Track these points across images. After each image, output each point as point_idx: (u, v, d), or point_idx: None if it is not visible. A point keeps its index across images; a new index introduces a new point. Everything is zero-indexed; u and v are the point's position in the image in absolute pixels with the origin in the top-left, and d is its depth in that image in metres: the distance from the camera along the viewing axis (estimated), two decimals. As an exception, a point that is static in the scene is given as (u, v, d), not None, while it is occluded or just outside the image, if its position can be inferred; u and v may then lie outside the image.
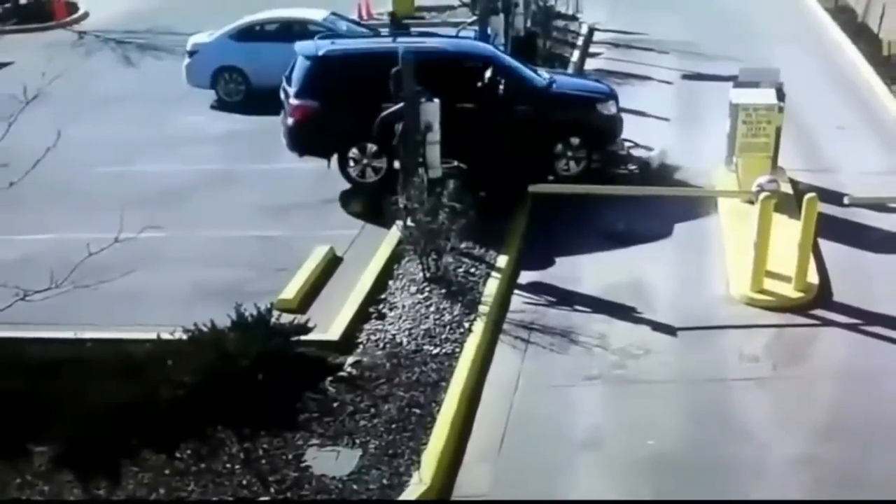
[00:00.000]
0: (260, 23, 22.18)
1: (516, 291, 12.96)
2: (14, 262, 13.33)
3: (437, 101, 13.59)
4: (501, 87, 16.24)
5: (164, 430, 9.68)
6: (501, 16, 21.52)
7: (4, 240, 14.47)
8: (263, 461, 9.44)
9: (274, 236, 14.49)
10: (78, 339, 11.08)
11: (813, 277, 12.74)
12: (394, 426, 9.95)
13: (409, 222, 12.97)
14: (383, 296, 12.56)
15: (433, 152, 13.64)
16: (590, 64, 24.12)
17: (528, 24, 24.23)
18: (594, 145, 16.47)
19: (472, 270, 13.21)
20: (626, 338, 11.72)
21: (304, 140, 16.07)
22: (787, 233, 12.88)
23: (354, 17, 26.27)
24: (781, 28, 26.62)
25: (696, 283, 13.09)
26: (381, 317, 12.07)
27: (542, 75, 17.14)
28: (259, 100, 20.04)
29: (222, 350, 10.30)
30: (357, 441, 9.73)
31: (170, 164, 17.68)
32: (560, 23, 26.90)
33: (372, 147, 15.69)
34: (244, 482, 9.19)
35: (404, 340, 11.50)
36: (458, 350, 11.34)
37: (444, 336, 11.60)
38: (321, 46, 16.28)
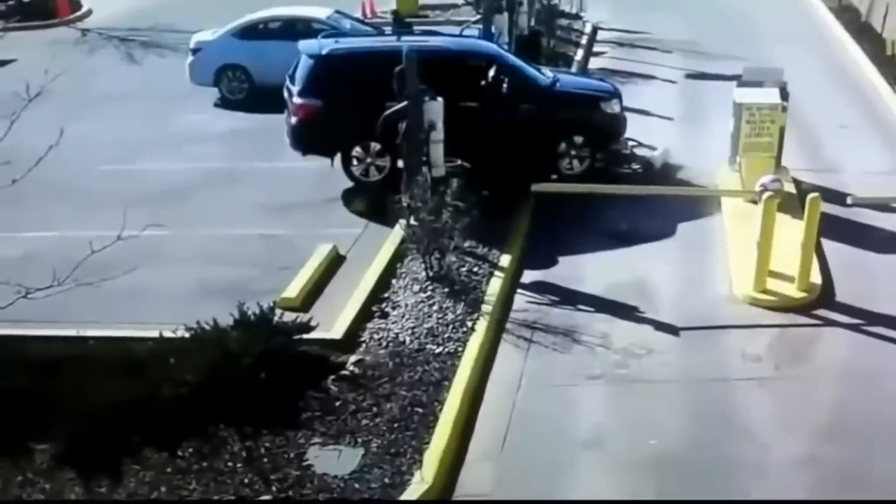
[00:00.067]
0: (263, 21, 22.16)
1: (519, 290, 12.95)
2: (16, 260, 13.32)
3: (440, 99, 13.58)
4: (505, 85, 16.22)
5: (166, 429, 9.67)
6: (505, 14, 21.49)
7: (7, 237, 14.47)
8: (265, 460, 9.43)
9: (277, 234, 14.48)
10: (80, 337, 11.08)
11: (816, 277, 12.72)
12: (396, 425, 9.94)
13: (412, 221, 12.95)
14: (386, 294, 12.55)
15: (437, 151, 13.64)
16: (594, 63, 24.11)
17: (532, 22, 24.22)
18: (598, 144, 16.44)
19: (476, 269, 13.19)
20: (628, 337, 11.71)
21: (308, 139, 16.06)
22: (791, 233, 12.86)
23: (358, 15, 26.24)
24: (785, 27, 26.58)
25: (699, 282, 13.07)
26: (384, 315, 12.05)
27: (545, 74, 17.11)
28: (262, 98, 20.02)
29: (224, 348, 10.29)
30: (359, 440, 9.72)
31: (173, 162, 17.68)
32: (564, 21, 26.89)
33: (375, 146, 15.68)
34: (246, 481, 9.18)
35: (407, 339, 11.49)
36: (460, 349, 11.32)
37: (446, 335, 11.59)
38: (325, 45, 16.25)
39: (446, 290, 12.53)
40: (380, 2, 28.92)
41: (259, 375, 10.23)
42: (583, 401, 10.61)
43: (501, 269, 13.27)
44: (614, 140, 16.88)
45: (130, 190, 15.72)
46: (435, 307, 12.18)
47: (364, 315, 12.00)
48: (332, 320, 11.76)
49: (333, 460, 9.43)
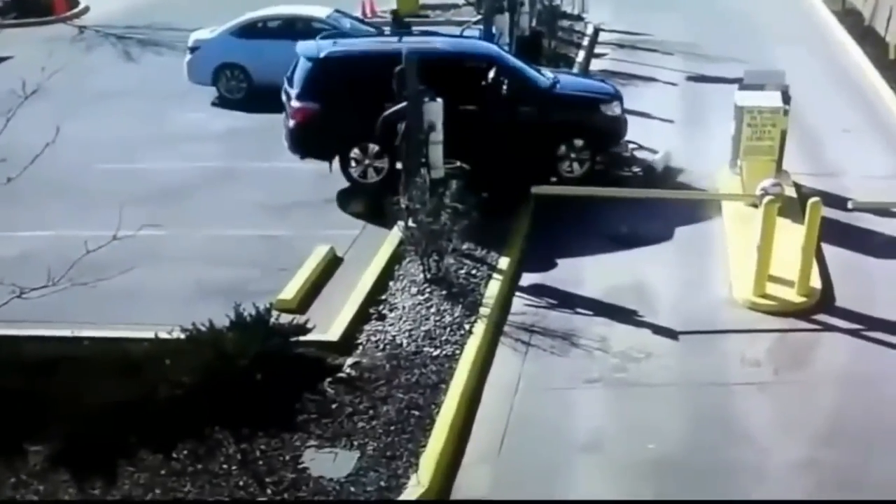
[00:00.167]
0: (262, 19, 22.10)
1: (518, 293, 12.90)
2: (11, 259, 13.27)
3: (440, 100, 13.53)
4: (505, 87, 16.15)
5: (161, 430, 9.61)
6: (506, 15, 21.44)
7: (2, 236, 14.41)
8: (261, 462, 9.38)
9: (275, 235, 14.42)
10: (75, 338, 11.01)
11: (816, 282, 12.67)
12: (392, 428, 9.88)
13: (410, 223, 12.89)
14: (384, 297, 12.49)
15: (436, 152, 13.59)
16: (595, 64, 24.08)
17: (534, 23, 24.20)
18: (598, 147, 16.38)
19: (474, 272, 13.14)
20: (627, 341, 11.66)
21: (306, 143, 15.97)
22: (791, 237, 12.81)
23: (358, 14, 26.20)
24: (787, 30, 26.56)
25: (699, 286, 13.02)
26: (382, 318, 12.00)
27: (546, 75, 17.04)
28: (261, 97, 19.98)
29: (221, 350, 10.24)
30: (355, 442, 9.66)
31: (170, 161, 17.60)
32: (565, 22, 26.85)
33: (374, 147, 15.61)
34: (241, 483, 9.12)
35: (404, 342, 11.43)
36: (458, 352, 11.26)
37: (444, 338, 11.53)
38: (323, 48, 16.15)
39: (444, 292, 12.47)
40: (380, 1, 28.86)
41: (255, 377, 10.17)
42: (581, 404, 10.56)
43: (500, 271, 13.22)
44: (615, 142, 16.82)
45: (127, 189, 15.65)
46: (433, 309, 12.12)
47: (361, 317, 11.95)
48: (328, 322, 11.70)
49: (329, 463, 9.38)
